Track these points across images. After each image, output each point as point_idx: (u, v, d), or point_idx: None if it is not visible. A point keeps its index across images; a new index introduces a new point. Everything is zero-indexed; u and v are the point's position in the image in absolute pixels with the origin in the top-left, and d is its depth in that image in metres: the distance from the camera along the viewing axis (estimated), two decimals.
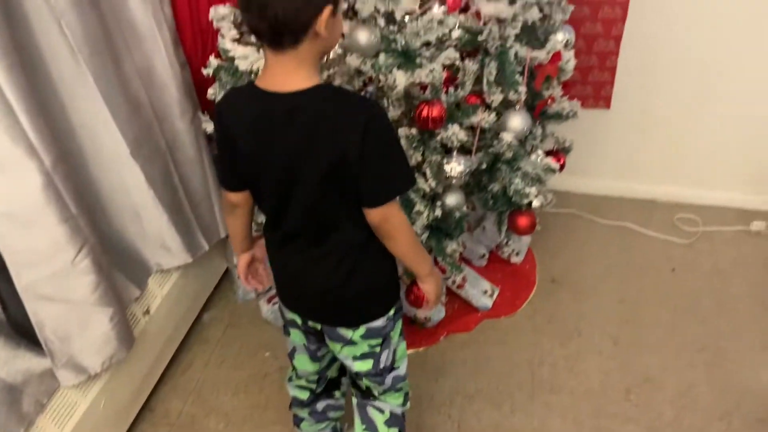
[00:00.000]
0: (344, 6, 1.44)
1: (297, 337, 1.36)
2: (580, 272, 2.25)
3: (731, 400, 1.78)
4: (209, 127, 1.86)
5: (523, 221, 1.83)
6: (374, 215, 1.12)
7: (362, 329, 1.26)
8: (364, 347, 1.28)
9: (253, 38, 1.64)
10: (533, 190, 1.74)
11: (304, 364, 1.41)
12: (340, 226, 1.15)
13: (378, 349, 1.29)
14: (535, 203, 1.79)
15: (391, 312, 1.29)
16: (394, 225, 1.15)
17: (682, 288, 2.17)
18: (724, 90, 2.29)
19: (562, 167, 1.88)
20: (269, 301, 2.13)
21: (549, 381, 1.86)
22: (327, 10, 1.00)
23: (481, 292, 2.10)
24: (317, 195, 1.10)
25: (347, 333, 1.26)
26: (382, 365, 1.32)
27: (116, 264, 1.62)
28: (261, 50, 1.63)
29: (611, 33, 2.26)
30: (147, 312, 1.75)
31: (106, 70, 1.48)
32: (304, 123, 1.04)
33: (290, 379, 1.49)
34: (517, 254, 2.27)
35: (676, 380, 1.85)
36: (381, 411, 1.40)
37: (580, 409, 1.78)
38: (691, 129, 2.41)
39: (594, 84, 2.38)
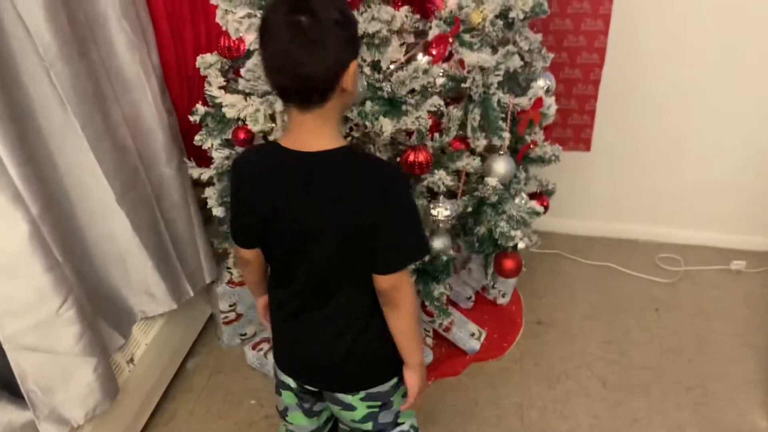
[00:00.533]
0: None
1: (289, 398, 1.32)
2: (566, 313, 2.26)
3: None
4: (195, 172, 1.86)
5: (509, 263, 1.84)
6: (385, 282, 1.10)
7: (362, 393, 1.23)
8: (363, 410, 1.25)
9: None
10: (518, 232, 1.75)
11: (299, 419, 1.36)
12: (345, 290, 1.14)
13: (377, 410, 1.27)
14: (521, 245, 1.81)
15: (395, 380, 1.26)
16: (402, 293, 1.12)
17: (667, 328, 2.18)
18: (699, 133, 2.35)
19: (545, 209, 1.90)
20: (254, 347, 2.11)
21: (539, 425, 1.85)
22: (353, 65, 1.00)
23: (468, 334, 2.10)
24: (332, 258, 1.09)
25: (346, 397, 1.24)
26: (380, 424, 1.29)
27: (101, 312, 1.60)
28: (248, 98, 1.65)
29: (590, 78, 2.32)
30: (131, 361, 1.72)
31: (94, 118, 1.49)
32: (325, 186, 1.04)
33: None
34: (503, 296, 2.28)
35: (664, 421, 1.84)
36: None
37: None
38: (670, 170, 2.46)
39: (574, 127, 2.44)
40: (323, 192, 1.04)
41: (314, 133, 1.03)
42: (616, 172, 2.52)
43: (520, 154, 1.83)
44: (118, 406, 1.62)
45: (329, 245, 1.07)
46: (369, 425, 1.28)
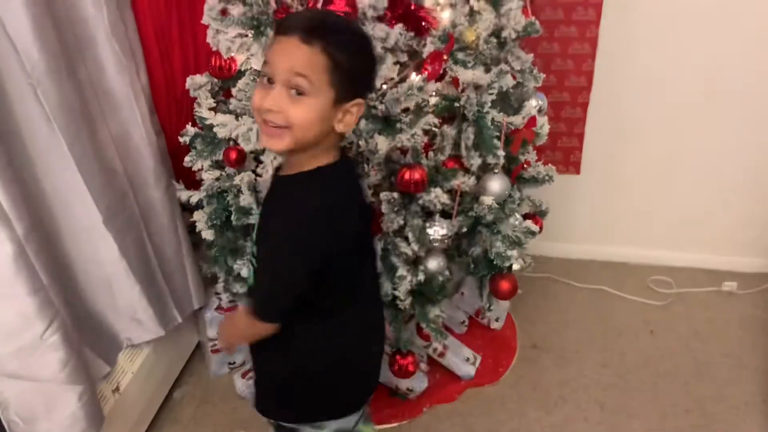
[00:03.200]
0: None
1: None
2: (561, 337, 2.23)
3: None
4: (184, 195, 1.83)
5: (505, 285, 1.81)
6: None
7: None
8: None
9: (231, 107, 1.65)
10: (514, 253, 1.73)
11: None
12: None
13: None
14: (516, 266, 1.79)
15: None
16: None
17: (662, 350, 2.16)
18: (689, 154, 2.37)
19: (540, 230, 1.89)
20: (244, 375, 2.04)
21: None
22: (350, 105, 1.05)
23: (463, 359, 2.06)
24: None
25: None
26: None
27: (86, 339, 1.54)
28: (240, 118, 1.62)
29: (578, 100, 2.33)
30: (117, 390, 1.66)
31: (81, 138, 1.45)
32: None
33: None
34: (497, 320, 2.24)
35: None
36: None
37: None
38: (659, 193, 2.47)
39: (563, 150, 2.44)
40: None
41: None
42: (606, 195, 2.52)
43: (513, 173, 1.82)
44: None
45: None
46: None
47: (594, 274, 2.53)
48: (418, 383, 1.94)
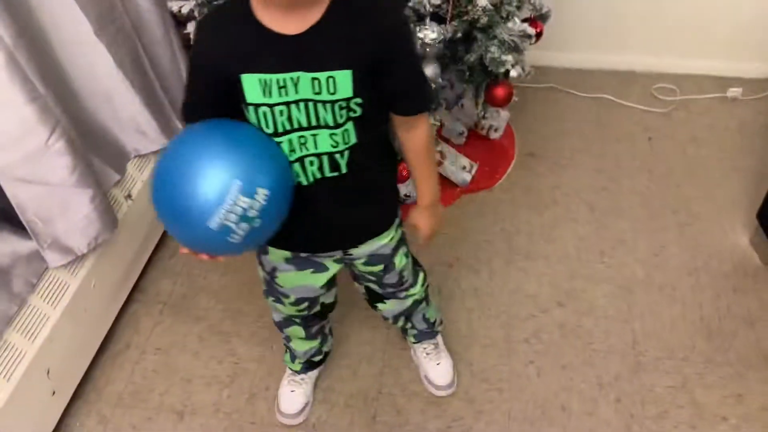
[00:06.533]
0: None
1: None
2: (558, 144, 2.27)
3: (700, 258, 1.86)
4: (174, 6, 1.80)
5: (499, 92, 1.82)
6: None
7: None
8: None
9: None
10: (510, 57, 1.72)
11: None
12: None
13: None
14: (513, 73, 1.77)
15: None
16: None
17: (658, 156, 2.20)
18: None
19: (539, 35, 1.85)
20: None
21: (525, 248, 1.92)
22: None
23: (460, 168, 2.13)
24: None
25: None
26: None
27: (93, 148, 1.61)
28: None
29: None
30: (129, 197, 1.76)
31: None
32: None
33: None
34: (496, 130, 2.27)
35: (649, 242, 1.92)
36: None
37: (555, 272, 1.85)
38: None
39: None
40: None
41: None
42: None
43: None
44: (120, 237, 1.68)
45: None
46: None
47: (597, 83, 2.50)
48: (413, 189, 2.03)
